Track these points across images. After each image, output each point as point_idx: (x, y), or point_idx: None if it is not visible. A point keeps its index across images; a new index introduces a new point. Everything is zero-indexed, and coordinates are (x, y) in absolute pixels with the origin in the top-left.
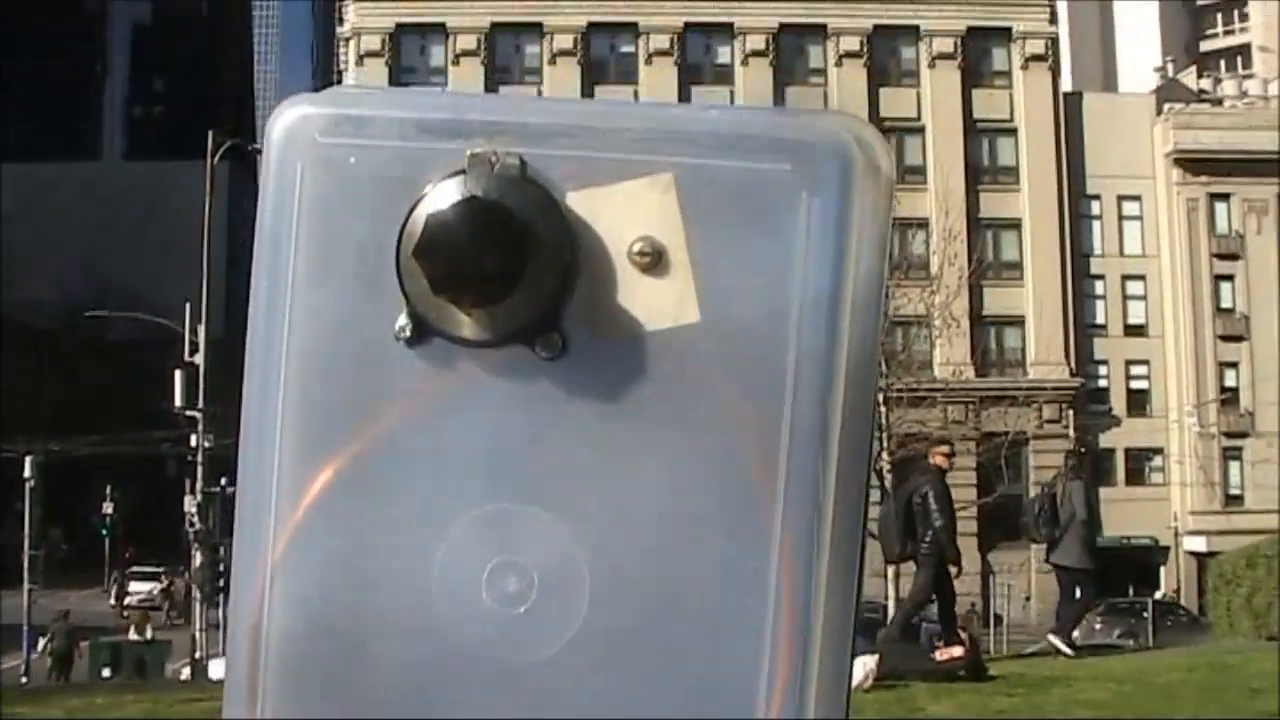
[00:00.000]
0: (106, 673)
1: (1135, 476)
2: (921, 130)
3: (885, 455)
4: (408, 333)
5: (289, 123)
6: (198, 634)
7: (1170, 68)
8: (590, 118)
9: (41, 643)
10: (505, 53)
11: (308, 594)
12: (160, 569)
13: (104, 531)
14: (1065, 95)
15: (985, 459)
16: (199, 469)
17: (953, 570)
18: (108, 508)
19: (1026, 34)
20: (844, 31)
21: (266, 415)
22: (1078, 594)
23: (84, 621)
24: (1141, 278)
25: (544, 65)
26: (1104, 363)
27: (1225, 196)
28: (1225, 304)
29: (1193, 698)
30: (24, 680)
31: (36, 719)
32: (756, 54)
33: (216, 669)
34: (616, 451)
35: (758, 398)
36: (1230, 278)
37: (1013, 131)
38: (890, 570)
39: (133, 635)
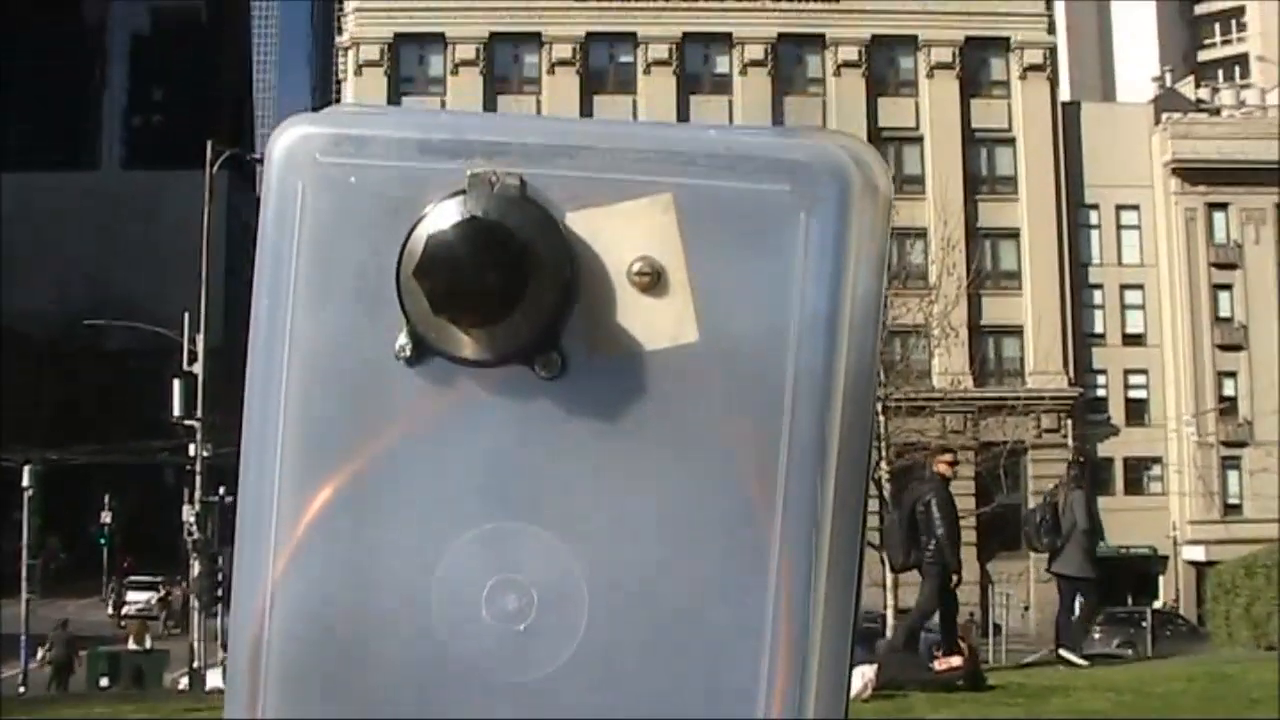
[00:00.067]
0: (104, 682)
1: (1134, 486)
2: (920, 140)
3: (884, 465)
4: (408, 352)
5: (290, 142)
6: (196, 644)
7: (1168, 77)
8: (590, 138)
9: (41, 652)
10: (504, 62)
11: (308, 611)
12: (158, 579)
13: (102, 540)
14: (1063, 105)
15: (984, 468)
16: (197, 478)
17: (953, 579)
18: (106, 517)
19: (1024, 44)
20: (842, 41)
21: (267, 433)
22: (1077, 603)
23: (82, 631)
24: (1140, 287)
25: (543, 75)
26: (1102, 372)
27: (1223, 206)
28: (1224, 313)
29: (1192, 708)
30: (22, 690)
31: None
32: (755, 64)
33: (214, 679)
34: (616, 470)
35: (756, 416)
36: (1228, 287)
37: (1011, 141)
38: (889, 580)
39: (131, 645)
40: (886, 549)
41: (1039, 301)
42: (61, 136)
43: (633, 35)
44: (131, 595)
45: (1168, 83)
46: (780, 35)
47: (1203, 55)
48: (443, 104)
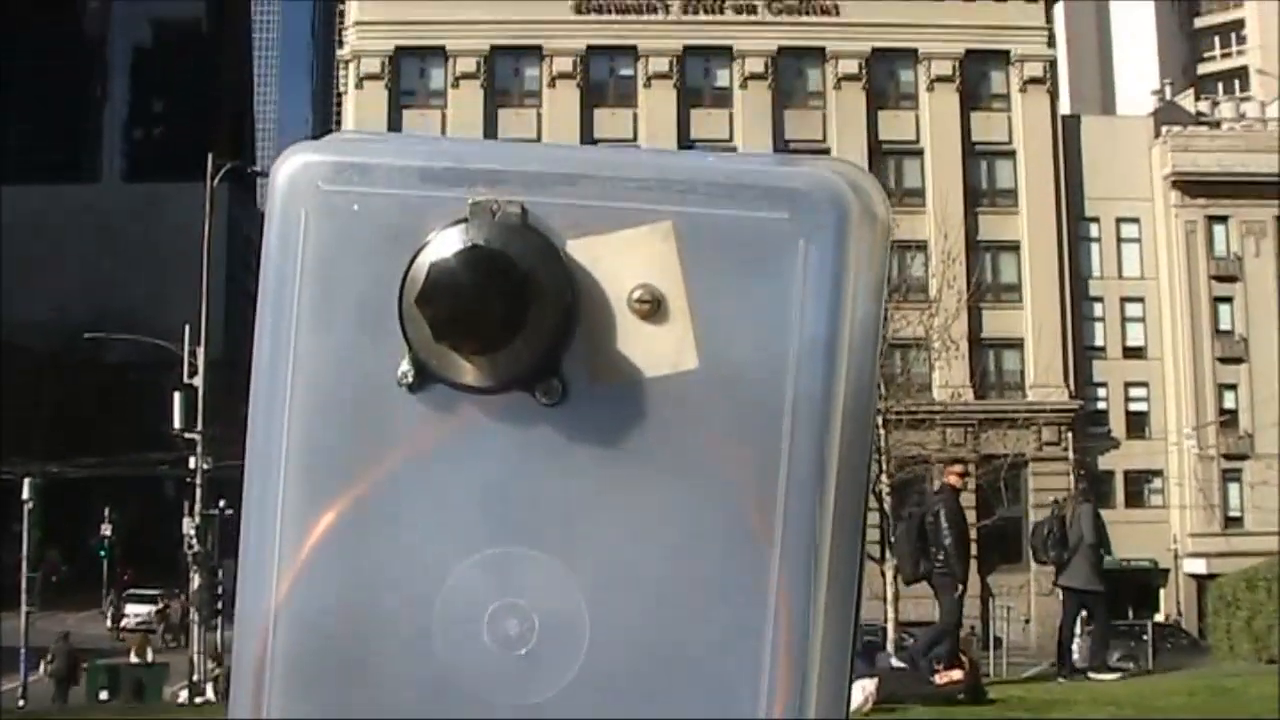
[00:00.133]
0: (104, 695)
1: (1134, 499)
2: (920, 153)
3: (884, 478)
4: (410, 378)
5: (292, 170)
6: (196, 656)
7: (1168, 90)
8: (590, 165)
9: (43, 665)
10: (505, 75)
11: (310, 634)
12: (157, 592)
13: (102, 553)
14: (1063, 118)
15: (984, 481)
16: (198, 491)
17: (958, 589)
18: (106, 529)
19: (1025, 57)
20: (843, 55)
21: (270, 457)
22: (1080, 617)
23: (81, 644)
24: (1140, 300)
25: (543, 88)
26: (1103, 385)
27: (1223, 219)
28: (1224, 326)
29: None
30: (21, 703)
31: None
32: (755, 77)
33: (214, 693)
34: (616, 496)
35: (756, 442)
36: (1229, 300)
37: (1011, 154)
38: (889, 593)
39: (133, 658)
40: (896, 560)
41: (1039, 314)
42: (62, 149)
43: (633, 48)
44: (130, 608)
45: (1168, 96)
46: (780, 49)
47: (1202, 68)
48: (443, 117)
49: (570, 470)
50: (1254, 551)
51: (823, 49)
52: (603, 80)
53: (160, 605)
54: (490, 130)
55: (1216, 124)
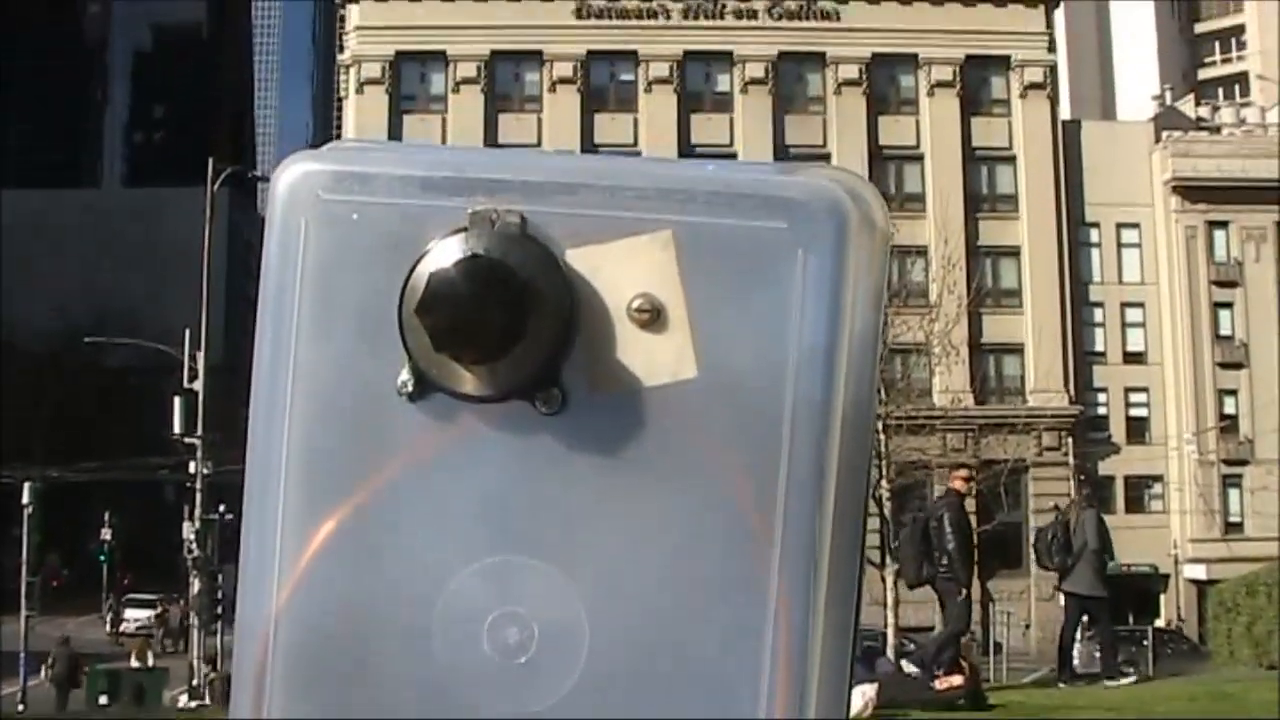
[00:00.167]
0: (104, 700)
1: (1135, 504)
2: (920, 158)
3: (885, 483)
4: (410, 387)
5: (293, 179)
6: (195, 661)
7: (1168, 96)
8: (590, 175)
9: (44, 670)
10: (505, 80)
11: (311, 642)
12: (155, 596)
13: (102, 558)
14: (1064, 123)
15: (984, 486)
16: (197, 496)
17: (961, 593)
18: (106, 534)
19: (1025, 62)
20: (843, 60)
21: (271, 466)
22: (1083, 622)
23: (81, 648)
24: (1140, 305)
25: (544, 93)
26: (1103, 390)
27: (1224, 224)
28: (1224, 331)
29: None
30: (21, 708)
31: None
32: (756, 82)
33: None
34: (616, 505)
35: (755, 452)
36: (1229, 305)
37: (1011, 159)
38: (889, 599)
39: (133, 662)
40: (900, 563)
41: (1039, 319)
42: (63, 153)
43: (634, 53)
44: (129, 613)
45: (1168, 101)
46: (781, 54)
47: (1203, 74)
48: (444, 122)
49: (570, 479)
50: (1254, 557)
51: (823, 54)
52: (603, 85)
53: (159, 610)
54: (491, 135)
55: (1217, 129)
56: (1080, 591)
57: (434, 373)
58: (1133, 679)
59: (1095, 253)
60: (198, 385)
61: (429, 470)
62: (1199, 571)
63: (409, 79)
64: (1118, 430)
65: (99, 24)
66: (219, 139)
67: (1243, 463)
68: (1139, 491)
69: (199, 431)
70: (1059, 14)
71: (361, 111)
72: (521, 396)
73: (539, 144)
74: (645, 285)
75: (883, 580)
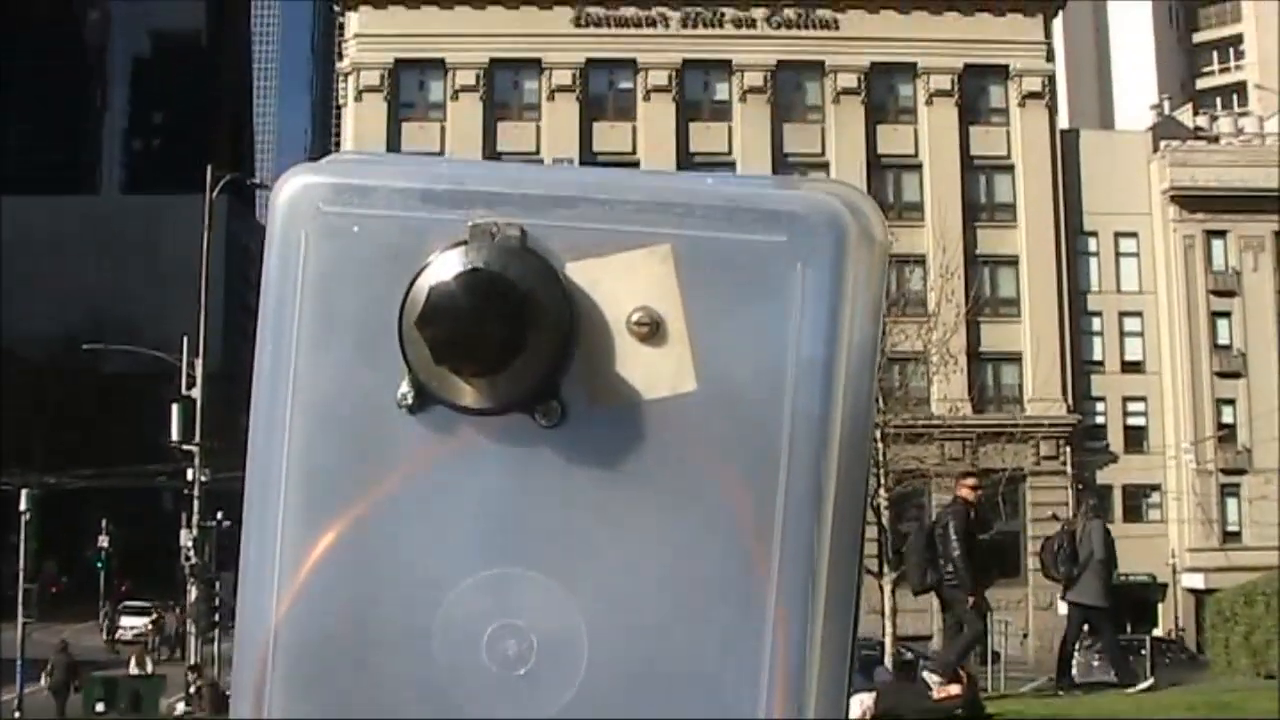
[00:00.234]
0: (101, 707)
1: (1132, 513)
2: (919, 167)
3: (883, 492)
4: (410, 400)
5: (293, 192)
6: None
7: (1167, 105)
8: (589, 188)
9: (44, 677)
10: (504, 88)
11: (310, 653)
12: (151, 604)
13: (99, 565)
14: (1062, 132)
15: (982, 495)
16: (195, 503)
17: (968, 601)
18: (103, 541)
19: (1023, 71)
20: (842, 69)
21: (271, 477)
22: (1085, 631)
23: (78, 655)
24: (1138, 314)
25: (542, 101)
26: (1101, 399)
27: (1222, 233)
28: (1222, 340)
29: None
30: (17, 715)
31: None
32: (754, 91)
33: None
34: (615, 517)
35: (753, 465)
36: (1227, 314)
37: (1010, 168)
38: (888, 607)
39: (133, 669)
40: (906, 570)
41: (1038, 328)
42: (61, 160)
43: (632, 62)
44: (125, 620)
45: (1166, 110)
46: (779, 62)
47: (1201, 83)
48: (442, 130)
49: (569, 492)
50: (1252, 566)
51: (822, 63)
52: (602, 93)
53: (154, 617)
54: (489, 143)
55: (1215, 139)
56: (1085, 601)
57: (434, 385)
58: (1149, 683)
59: (1093, 262)
60: (196, 392)
61: (429, 482)
62: (1197, 581)
63: (408, 87)
64: (1116, 439)
65: (99, 30)
66: (218, 146)
67: (1241, 472)
68: (1137, 501)
69: (197, 439)
70: (1057, 23)
71: (360, 119)
72: (521, 409)
73: (538, 152)
74: (644, 299)
75: (880, 589)
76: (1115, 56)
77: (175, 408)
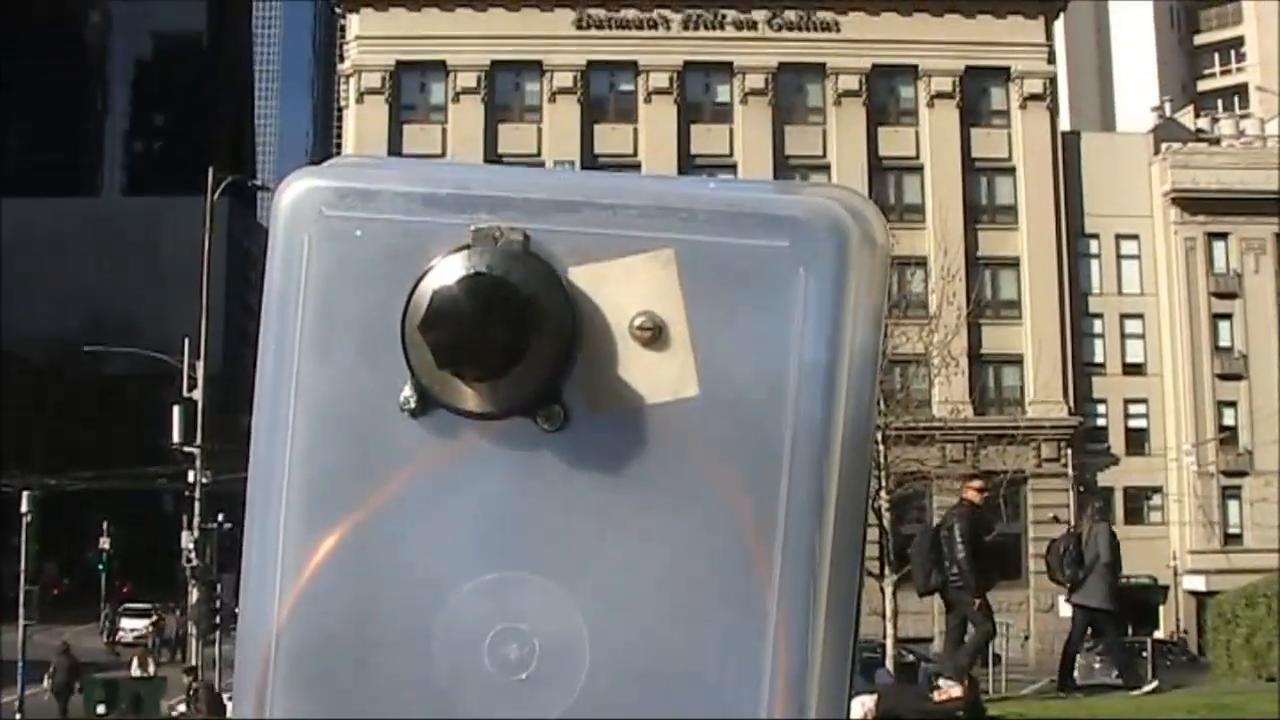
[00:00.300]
0: (102, 709)
1: (1134, 515)
2: (920, 169)
3: (884, 494)
4: (412, 404)
5: (296, 195)
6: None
7: (1168, 107)
8: (592, 193)
9: (47, 679)
10: (505, 91)
11: (312, 657)
12: (150, 606)
13: (100, 567)
14: (1063, 134)
15: (987, 497)
16: (196, 505)
17: (974, 603)
18: (104, 543)
19: (1025, 74)
20: (843, 71)
21: (273, 481)
22: (1088, 633)
23: (79, 657)
24: (1140, 316)
25: (544, 103)
26: (1102, 401)
27: (1223, 236)
28: (1223, 343)
29: None
30: (18, 716)
31: None
32: (755, 93)
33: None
34: (617, 521)
35: (755, 470)
36: (1228, 316)
37: (1011, 170)
38: (889, 609)
39: (135, 671)
40: (912, 571)
41: (1039, 331)
42: (63, 162)
43: (634, 64)
44: (125, 622)
45: (1167, 112)
46: (781, 64)
47: (1202, 85)
48: (444, 132)
49: (571, 496)
50: (1253, 568)
51: (823, 65)
52: (603, 95)
53: (154, 619)
54: (490, 145)
55: (1216, 141)
56: (1092, 604)
57: (436, 389)
58: (1154, 686)
59: (1095, 264)
60: (197, 394)
61: (431, 486)
62: (1198, 583)
63: (409, 89)
64: (1117, 441)
65: (99, 32)
66: (219, 148)
67: (1242, 474)
68: (1138, 503)
69: (198, 440)
70: (1059, 25)
71: (362, 121)
72: (523, 413)
73: (539, 154)
74: (647, 303)
75: (882, 591)
76: (1116, 58)
77: (176, 409)
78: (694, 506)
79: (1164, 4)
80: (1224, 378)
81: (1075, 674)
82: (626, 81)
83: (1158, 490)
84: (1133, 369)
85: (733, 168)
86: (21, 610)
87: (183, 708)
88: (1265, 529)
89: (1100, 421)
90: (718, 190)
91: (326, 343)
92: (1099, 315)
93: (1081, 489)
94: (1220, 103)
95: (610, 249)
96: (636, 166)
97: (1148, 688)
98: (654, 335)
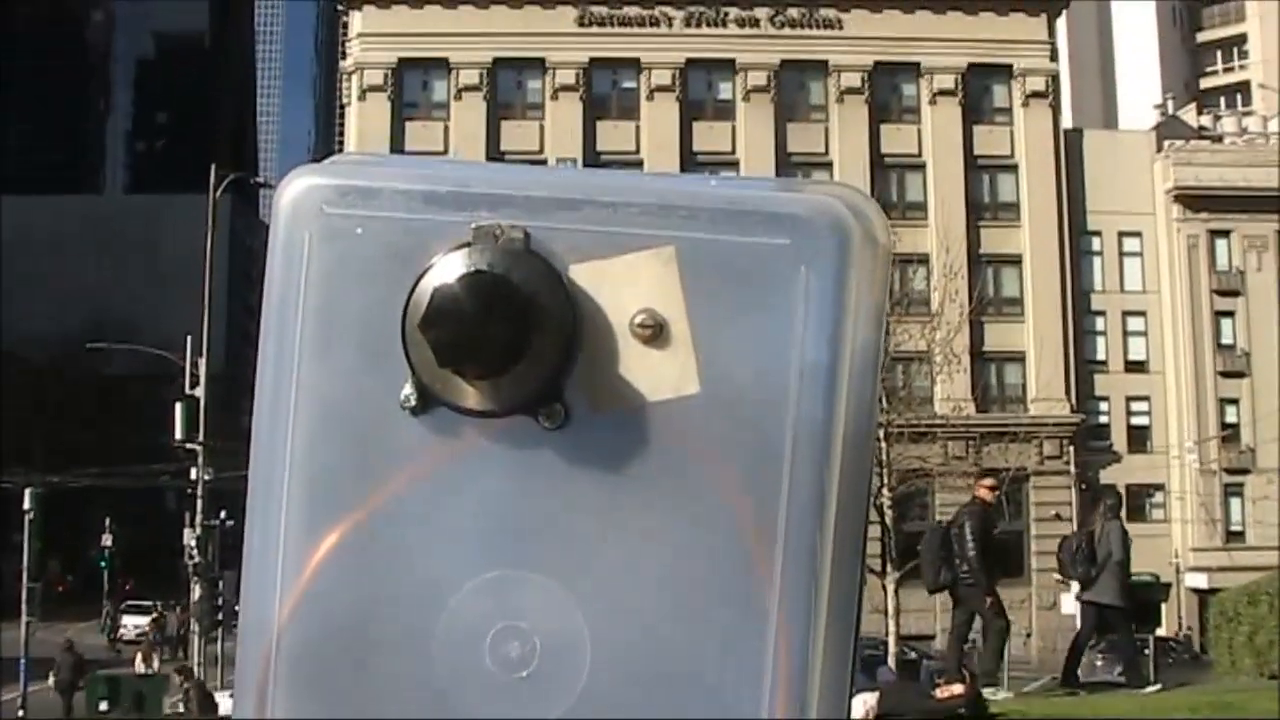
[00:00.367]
0: (104, 706)
1: (1136, 513)
2: (922, 166)
3: (886, 492)
4: (413, 402)
5: (296, 193)
6: (196, 667)
7: (1170, 105)
8: (592, 191)
9: (52, 676)
10: (507, 88)
11: (313, 655)
12: (153, 603)
13: (103, 564)
14: (1066, 132)
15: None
16: (198, 502)
17: (986, 601)
18: (107, 540)
19: (1027, 71)
20: (845, 68)
21: (273, 480)
22: (1092, 631)
23: (82, 654)
24: (1142, 314)
25: (546, 100)
26: (1104, 399)
27: (1225, 233)
28: (1226, 340)
29: None
30: (21, 714)
31: None
32: (758, 90)
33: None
34: (618, 520)
35: (756, 468)
36: (1231, 314)
37: (1013, 168)
38: (890, 607)
39: (140, 668)
40: (921, 568)
41: (1041, 328)
42: (65, 160)
43: (636, 61)
44: (127, 619)
45: (1170, 110)
46: (783, 62)
47: (1205, 82)
48: (446, 129)
49: (572, 494)
50: (1256, 566)
51: (825, 62)
52: (605, 93)
53: (154, 616)
54: (493, 143)
55: (1218, 138)
56: (1105, 601)
57: (437, 387)
58: (1157, 687)
59: (1097, 261)
60: (199, 391)
61: (431, 484)
62: (1200, 580)
63: (411, 86)
64: (1119, 439)
65: (102, 31)
66: (221, 146)
67: (1244, 472)
68: (1140, 501)
69: (200, 438)
70: (1061, 23)
71: (364, 119)
72: (524, 411)
73: (541, 151)
74: (648, 301)
75: (884, 589)
76: (1119, 56)
77: (178, 407)
78: (695, 504)
79: (1166, 2)
80: (1226, 375)
81: (1078, 670)
82: (629, 79)
83: (1160, 488)
84: (1135, 366)
85: (735, 165)
86: (24, 607)
87: (181, 708)
88: (1267, 526)
89: (1102, 419)
90: (719, 188)
91: (327, 340)
92: (1101, 313)
93: (1084, 487)
94: (1223, 100)
95: (611, 247)
96: (639, 164)
97: (1150, 689)
98: (655, 333)
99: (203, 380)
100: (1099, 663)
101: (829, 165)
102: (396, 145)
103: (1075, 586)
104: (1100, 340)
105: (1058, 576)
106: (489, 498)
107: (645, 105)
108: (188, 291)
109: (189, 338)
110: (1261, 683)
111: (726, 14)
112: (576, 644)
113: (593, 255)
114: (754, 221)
